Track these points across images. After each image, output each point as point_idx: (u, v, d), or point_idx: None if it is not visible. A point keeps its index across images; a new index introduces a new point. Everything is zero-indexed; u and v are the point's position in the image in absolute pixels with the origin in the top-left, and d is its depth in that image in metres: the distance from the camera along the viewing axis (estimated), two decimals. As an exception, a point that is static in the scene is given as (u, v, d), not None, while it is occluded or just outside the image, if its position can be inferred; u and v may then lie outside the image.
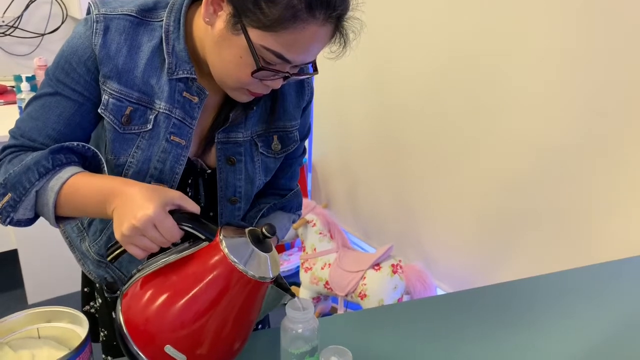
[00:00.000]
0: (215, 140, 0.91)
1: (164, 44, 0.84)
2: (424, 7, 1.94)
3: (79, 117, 0.84)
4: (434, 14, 1.91)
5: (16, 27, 3.42)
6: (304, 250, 2.11)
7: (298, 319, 0.76)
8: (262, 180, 0.99)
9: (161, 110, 0.85)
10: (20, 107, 2.21)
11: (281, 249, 2.79)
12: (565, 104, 1.53)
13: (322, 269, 2.02)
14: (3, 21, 3.39)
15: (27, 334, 0.74)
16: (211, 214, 0.99)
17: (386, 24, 2.13)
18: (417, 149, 2.09)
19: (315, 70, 0.85)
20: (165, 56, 0.84)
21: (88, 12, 0.84)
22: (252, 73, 0.77)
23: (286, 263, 2.59)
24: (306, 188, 2.74)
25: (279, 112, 0.95)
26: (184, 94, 0.86)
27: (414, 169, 2.11)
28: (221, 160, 0.93)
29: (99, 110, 0.84)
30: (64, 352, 0.67)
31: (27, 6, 3.41)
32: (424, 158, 2.06)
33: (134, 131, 0.85)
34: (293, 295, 0.78)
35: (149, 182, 0.87)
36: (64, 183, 0.77)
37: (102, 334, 1.12)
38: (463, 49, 1.82)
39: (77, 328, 0.74)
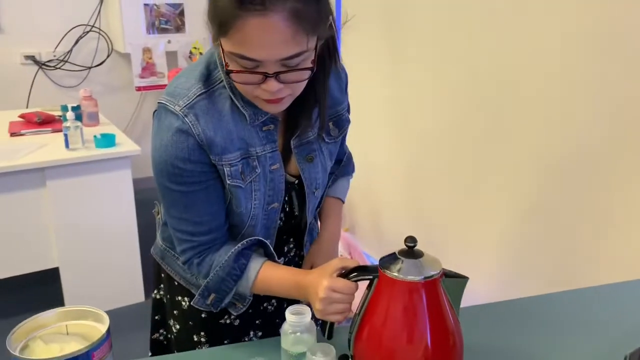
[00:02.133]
0: (292, 147, 1.02)
1: (235, 100, 0.94)
2: (445, 30, 2.02)
3: (207, 198, 0.98)
4: (456, 38, 1.99)
5: (66, 61, 3.69)
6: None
7: (297, 323, 0.85)
8: (331, 164, 1.12)
9: (259, 154, 0.98)
10: (65, 135, 2.39)
11: (307, 270, 2.87)
12: (590, 120, 1.58)
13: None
14: (54, 55, 3.66)
15: (57, 330, 0.85)
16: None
17: (408, 48, 2.23)
18: (439, 173, 2.15)
19: (310, 69, 0.86)
20: (242, 110, 0.94)
21: (158, 113, 0.96)
22: (227, 74, 0.85)
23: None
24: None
25: (330, 103, 1.04)
26: (264, 128, 0.97)
27: (436, 193, 2.17)
28: (301, 161, 1.04)
29: (228, 182, 0.96)
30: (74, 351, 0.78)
31: (77, 41, 3.68)
32: (446, 182, 2.12)
33: (249, 180, 0.97)
34: (467, 278, 0.92)
35: (266, 208, 1.02)
36: (254, 282, 1.00)
37: (157, 316, 1.26)
38: (486, 70, 1.89)
39: (100, 326, 0.85)
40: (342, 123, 1.10)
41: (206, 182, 0.96)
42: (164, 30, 3.62)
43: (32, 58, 3.61)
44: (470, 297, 1.95)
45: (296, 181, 1.08)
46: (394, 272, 0.89)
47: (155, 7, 3.54)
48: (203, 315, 1.14)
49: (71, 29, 3.65)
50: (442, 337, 0.91)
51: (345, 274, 0.94)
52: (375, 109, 2.48)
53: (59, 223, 2.36)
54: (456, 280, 0.94)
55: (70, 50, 3.70)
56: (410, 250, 0.92)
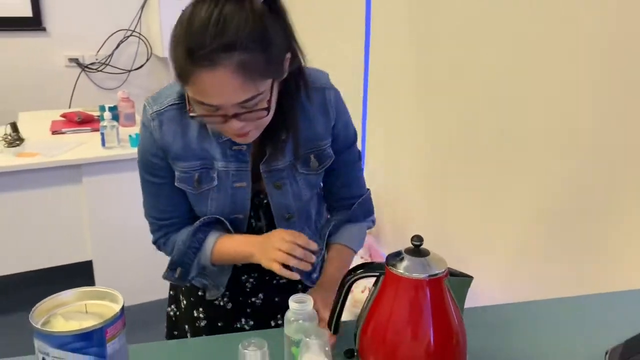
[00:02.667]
0: (261, 171, 1.07)
1: None
2: (470, 36, 2.04)
3: (171, 192, 1.09)
4: (479, 43, 1.99)
5: (107, 64, 3.84)
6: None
7: (299, 311, 0.89)
8: (308, 195, 1.13)
9: (220, 168, 1.05)
10: (102, 134, 2.49)
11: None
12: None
13: (362, 292, 2.11)
14: (97, 58, 3.81)
15: (77, 309, 0.91)
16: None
17: (435, 54, 2.24)
18: (462, 179, 2.15)
19: (266, 109, 0.92)
20: (209, 127, 1.02)
21: (143, 109, 1.06)
22: (191, 117, 0.94)
23: (334, 288, 2.69)
24: (358, 217, 2.85)
25: (310, 135, 1.08)
26: (234, 147, 1.03)
27: (459, 199, 2.17)
28: (269, 186, 1.09)
29: (176, 184, 1.07)
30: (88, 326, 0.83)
31: (118, 45, 3.83)
32: (469, 188, 2.12)
33: (204, 189, 1.06)
34: (471, 277, 0.93)
35: (227, 216, 1.10)
36: (211, 253, 1.10)
37: (186, 327, 1.33)
38: (508, 73, 1.89)
39: (115, 305, 0.90)
40: (323, 157, 1.11)
41: (166, 179, 1.08)
42: (201, 36, 3.72)
43: (75, 61, 3.77)
44: (490, 300, 1.94)
45: (263, 203, 1.13)
46: (399, 270, 0.92)
47: (193, 13, 3.65)
48: (200, 294, 1.24)
49: (113, 34, 3.79)
50: (445, 334, 0.93)
51: (351, 270, 0.97)
52: (401, 116, 2.50)
53: (93, 218, 2.46)
54: (461, 279, 0.95)
55: (112, 54, 3.85)
56: (417, 249, 0.94)
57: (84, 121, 2.93)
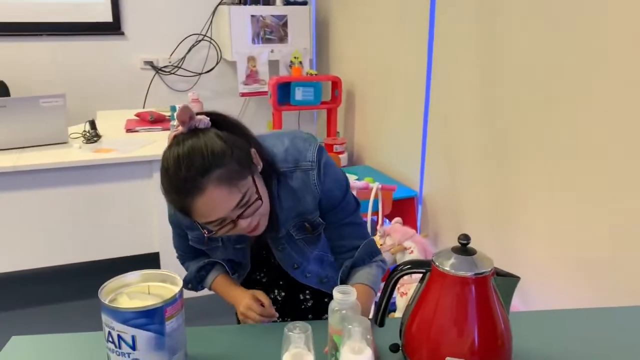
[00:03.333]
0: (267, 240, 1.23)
1: None
2: (536, 31, 2.00)
3: (187, 240, 1.28)
4: (548, 40, 1.96)
5: (179, 67, 4.03)
6: (401, 276, 2.22)
7: (343, 301, 0.92)
8: (312, 250, 1.23)
9: (223, 236, 1.19)
10: (172, 132, 2.63)
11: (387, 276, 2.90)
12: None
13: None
14: (170, 62, 4.00)
15: (140, 289, 0.98)
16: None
17: (502, 51, 2.21)
18: (526, 186, 2.11)
19: (258, 199, 1.04)
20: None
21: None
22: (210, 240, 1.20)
23: (390, 290, 2.70)
24: (415, 221, 2.85)
25: (300, 210, 1.17)
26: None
27: (522, 210, 2.13)
28: (273, 249, 1.23)
29: (190, 243, 1.26)
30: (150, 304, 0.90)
31: (190, 49, 4.00)
32: (535, 193, 2.08)
33: (212, 246, 1.25)
34: (518, 278, 0.95)
35: (236, 247, 1.24)
36: (209, 286, 1.33)
37: None
38: (580, 76, 1.84)
39: (174, 287, 0.97)
40: (316, 224, 1.20)
41: (184, 233, 1.28)
42: (268, 41, 3.83)
43: (150, 63, 3.97)
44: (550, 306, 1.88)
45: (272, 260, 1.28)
46: (446, 267, 0.93)
47: (261, 18, 3.77)
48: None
49: (185, 38, 3.97)
50: (490, 334, 0.94)
51: (398, 266, 1.00)
52: (464, 119, 2.48)
53: (162, 211, 2.59)
54: (507, 279, 0.96)
55: (184, 57, 4.03)
56: (464, 247, 0.96)
57: (156, 120, 3.09)
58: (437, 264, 0.95)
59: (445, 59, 2.58)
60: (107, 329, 0.90)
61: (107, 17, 3.80)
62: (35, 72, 3.72)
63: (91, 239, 2.62)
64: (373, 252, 1.25)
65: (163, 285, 0.99)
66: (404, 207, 2.82)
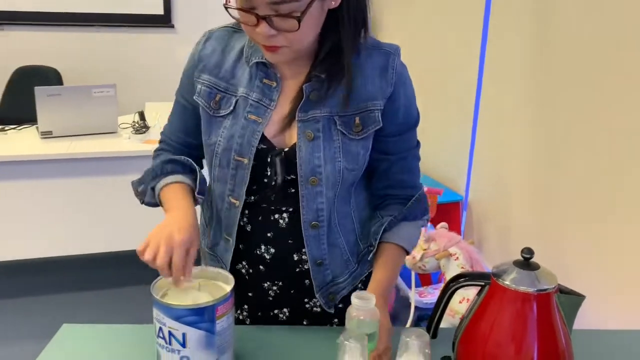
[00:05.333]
0: (297, 119, 0.99)
1: (247, 41, 1.02)
2: (595, 29, 1.93)
3: (186, 117, 1.10)
4: (606, 38, 1.88)
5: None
6: (444, 282, 2.17)
7: (361, 307, 0.88)
8: (344, 164, 1.01)
9: (240, 95, 1.01)
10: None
11: (427, 281, 2.86)
12: None
13: (459, 302, 2.06)
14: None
15: (191, 286, 0.97)
16: (292, 190, 1.03)
17: (555, 53, 2.14)
18: (577, 194, 2.04)
19: (296, 19, 0.87)
20: (245, 48, 1.02)
21: None
22: (226, 9, 0.91)
23: (429, 296, 2.66)
24: (459, 227, 2.79)
25: (360, 94, 1.00)
26: (264, 80, 1.01)
27: (573, 221, 2.06)
28: (300, 136, 1.00)
29: (194, 97, 1.04)
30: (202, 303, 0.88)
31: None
32: (588, 203, 2.00)
33: (221, 114, 1.03)
34: (583, 296, 0.90)
35: (233, 157, 1.01)
36: (161, 188, 1.07)
37: None
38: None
39: (226, 286, 0.96)
40: (369, 120, 1.01)
41: (187, 102, 1.08)
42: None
43: (199, 57, 4.01)
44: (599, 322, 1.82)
45: (283, 153, 1.02)
46: (506, 281, 0.90)
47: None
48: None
49: (234, 32, 4.00)
50: (551, 353, 0.89)
51: (456, 277, 0.96)
52: (514, 125, 2.40)
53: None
54: (571, 298, 0.91)
55: (231, 51, 4.05)
56: (526, 262, 0.91)
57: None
58: (497, 277, 0.91)
59: (499, 59, 2.51)
60: (158, 325, 0.90)
61: (159, 10, 3.85)
62: (87, 62, 3.81)
63: (138, 226, 2.65)
64: (426, 209, 1.14)
65: (214, 282, 0.98)
66: (448, 212, 2.76)
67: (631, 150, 1.78)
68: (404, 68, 1.05)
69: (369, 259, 1.11)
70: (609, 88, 1.86)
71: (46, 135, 2.59)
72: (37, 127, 2.69)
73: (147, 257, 0.90)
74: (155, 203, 1.10)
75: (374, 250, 1.08)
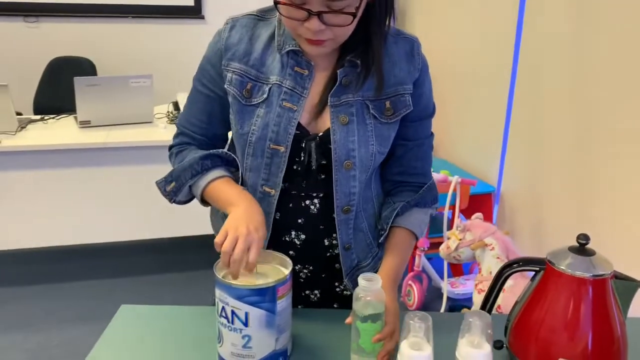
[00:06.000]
0: (329, 104, 1.01)
1: (276, 29, 1.02)
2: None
3: (210, 108, 1.08)
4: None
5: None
6: (479, 272, 2.18)
7: (367, 288, 0.91)
8: (377, 147, 1.04)
9: (274, 83, 1.01)
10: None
11: (459, 272, 2.86)
12: None
13: (478, 293, 2.07)
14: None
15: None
16: (322, 176, 1.05)
17: (596, 42, 2.12)
18: (613, 183, 2.03)
19: (352, 14, 0.89)
20: (276, 37, 1.02)
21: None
22: (275, 5, 0.91)
23: (461, 287, 2.66)
24: (491, 218, 2.78)
25: (389, 79, 1.03)
26: (295, 68, 1.01)
27: (608, 215, 2.05)
28: (334, 121, 1.01)
29: (225, 86, 1.04)
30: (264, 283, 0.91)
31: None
32: (624, 205, 1.99)
33: (253, 103, 1.02)
34: (639, 282, 0.91)
35: (269, 146, 1.02)
36: (207, 184, 1.05)
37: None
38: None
39: (283, 269, 0.98)
40: (400, 104, 1.04)
41: (210, 92, 1.07)
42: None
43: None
44: None
45: (317, 138, 1.03)
46: (561, 266, 0.91)
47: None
48: None
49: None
50: (606, 339, 0.90)
51: (510, 263, 0.97)
52: (549, 115, 2.39)
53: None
54: (627, 283, 0.92)
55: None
56: (582, 248, 0.92)
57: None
58: (552, 263, 0.92)
59: (535, 45, 2.49)
60: (220, 304, 0.93)
61: (189, 1, 3.89)
62: (120, 52, 3.87)
63: (179, 214, 2.70)
64: (435, 197, 1.17)
65: (269, 265, 1.00)
66: (481, 203, 2.76)
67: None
68: (425, 59, 1.09)
69: (381, 242, 1.13)
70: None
71: (85, 124, 2.65)
72: (75, 117, 2.75)
73: (225, 248, 0.91)
74: (188, 201, 1.12)
75: (385, 234, 1.11)
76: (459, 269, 2.85)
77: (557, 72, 2.33)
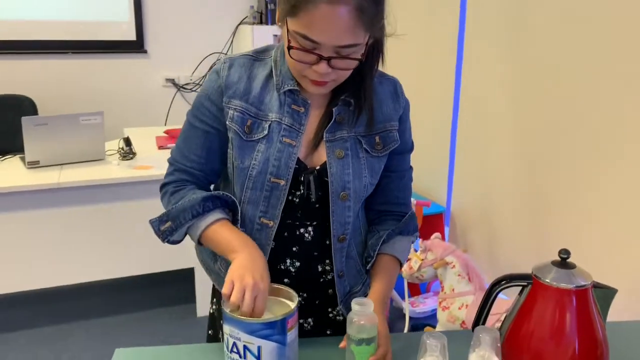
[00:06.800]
0: (324, 139, 1.08)
1: (273, 69, 1.08)
2: (578, 31, 2.06)
3: (209, 143, 1.10)
4: (592, 42, 2.02)
5: (200, 85, 4.07)
6: (442, 290, 2.27)
7: (361, 312, 0.96)
8: (369, 179, 1.11)
9: (273, 120, 1.06)
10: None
11: (417, 291, 2.95)
12: None
13: (459, 309, 2.15)
14: (191, 79, 4.07)
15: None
16: (317, 205, 1.10)
17: (532, 59, 2.28)
18: (564, 197, 2.16)
19: (359, 60, 0.96)
20: (274, 77, 1.07)
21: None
22: (289, 50, 0.96)
23: (421, 305, 2.75)
24: (444, 238, 2.89)
25: (378, 117, 1.10)
26: (292, 106, 1.07)
27: (558, 221, 2.18)
28: (330, 155, 1.08)
29: (227, 122, 1.07)
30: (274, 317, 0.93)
31: (211, 67, 4.05)
32: (570, 208, 2.13)
33: (254, 139, 1.07)
34: (615, 290, 0.98)
35: (269, 179, 1.06)
36: (207, 226, 1.06)
37: (210, 331, 1.34)
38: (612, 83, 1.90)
39: (289, 302, 1.00)
40: (388, 139, 1.13)
41: (210, 127, 1.09)
42: (289, 59, 3.90)
43: (172, 81, 4.03)
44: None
45: (315, 172, 1.08)
46: (547, 280, 0.98)
47: (283, 37, 3.84)
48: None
49: (207, 56, 4.04)
50: (591, 344, 0.98)
51: (498, 281, 1.04)
52: (494, 130, 2.53)
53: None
54: (605, 291, 1.01)
55: (205, 75, 4.08)
56: (564, 262, 1.01)
57: (186, 138, 3.13)
58: (538, 277, 1.00)
59: (476, 67, 2.64)
60: (231, 340, 0.94)
61: (131, 36, 3.85)
62: (61, 89, 3.76)
63: (129, 254, 2.64)
64: (416, 226, 1.25)
65: (274, 298, 1.03)
66: (432, 223, 2.87)
67: (616, 152, 1.91)
68: (407, 100, 1.18)
69: (368, 268, 1.19)
70: (590, 91, 2.00)
71: (33, 165, 2.55)
72: (21, 157, 2.65)
73: (234, 300, 0.93)
74: (181, 240, 1.12)
75: (373, 260, 1.17)
76: (416, 288, 2.93)
77: (498, 92, 2.48)
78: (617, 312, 1.93)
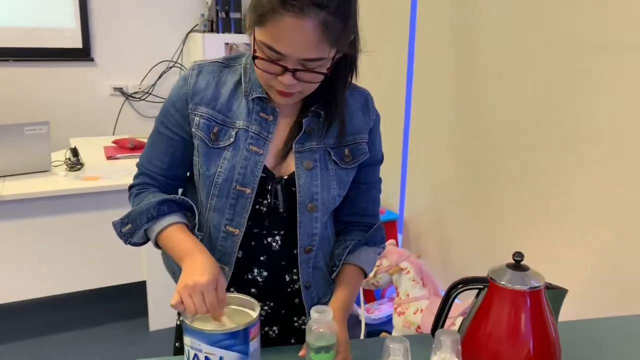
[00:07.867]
0: (293, 150, 1.08)
1: (242, 76, 1.07)
2: (523, 39, 2.14)
3: (173, 149, 1.10)
4: (535, 46, 2.10)
5: (150, 93, 4.00)
6: (397, 296, 2.30)
7: (320, 320, 0.97)
8: (337, 191, 1.11)
9: (240, 127, 1.06)
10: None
11: (371, 298, 2.97)
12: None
13: (414, 314, 2.19)
14: (140, 88, 3.98)
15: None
16: (284, 214, 1.09)
17: (479, 70, 2.35)
18: (511, 204, 2.23)
19: (324, 74, 0.97)
20: (243, 84, 1.07)
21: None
22: (253, 59, 0.96)
23: (376, 312, 2.77)
24: (397, 244, 2.93)
25: (348, 129, 1.11)
26: (261, 114, 1.07)
27: (506, 225, 2.25)
28: (299, 166, 1.08)
29: (192, 129, 1.06)
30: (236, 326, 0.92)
31: (160, 76, 3.99)
32: (518, 213, 2.20)
33: (220, 146, 1.06)
34: (566, 290, 1.01)
35: (235, 187, 1.05)
36: (161, 230, 1.06)
37: (177, 343, 1.30)
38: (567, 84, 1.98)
39: (250, 312, 0.99)
40: (357, 152, 1.13)
41: (174, 134, 1.09)
42: (241, 68, 3.88)
43: (120, 90, 3.93)
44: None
45: (283, 181, 1.08)
46: (502, 282, 1.02)
47: (235, 45, 3.82)
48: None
49: (156, 65, 3.96)
50: (544, 344, 1.02)
51: (455, 284, 1.07)
52: (442, 135, 2.60)
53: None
54: (557, 292, 1.05)
55: (154, 84, 4.01)
56: (518, 264, 1.04)
57: (136, 147, 3.06)
58: (494, 279, 1.03)
59: (427, 81, 2.71)
60: (192, 352, 0.92)
61: (77, 44, 3.74)
62: (4, 98, 3.61)
63: (79, 268, 2.55)
64: (383, 237, 1.26)
65: (236, 308, 1.01)
66: (386, 230, 2.89)
67: (560, 158, 1.99)
68: (378, 113, 1.19)
69: (332, 277, 1.19)
70: (535, 97, 2.07)
71: (-27, 177, 2.44)
72: (-40, 169, 2.53)
73: (187, 307, 0.93)
74: (143, 243, 1.12)
75: (337, 270, 1.17)
76: (371, 295, 2.96)
77: (446, 102, 2.55)
78: (566, 312, 1.99)
